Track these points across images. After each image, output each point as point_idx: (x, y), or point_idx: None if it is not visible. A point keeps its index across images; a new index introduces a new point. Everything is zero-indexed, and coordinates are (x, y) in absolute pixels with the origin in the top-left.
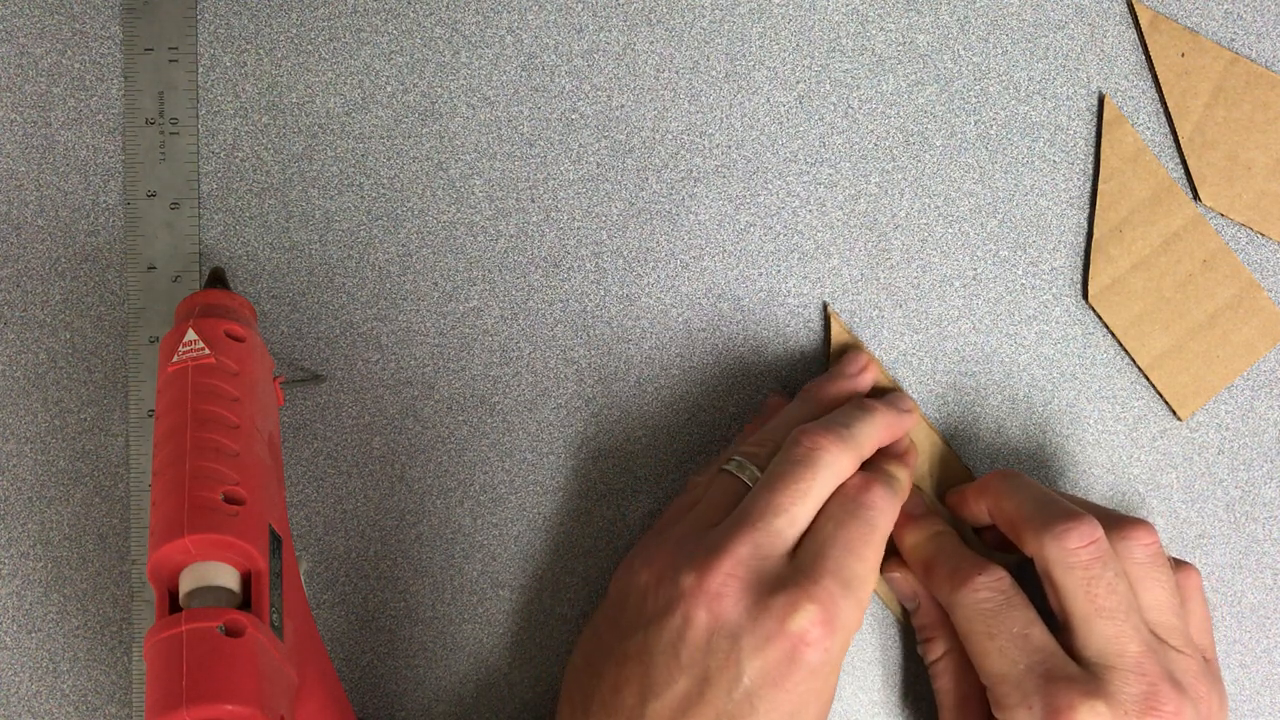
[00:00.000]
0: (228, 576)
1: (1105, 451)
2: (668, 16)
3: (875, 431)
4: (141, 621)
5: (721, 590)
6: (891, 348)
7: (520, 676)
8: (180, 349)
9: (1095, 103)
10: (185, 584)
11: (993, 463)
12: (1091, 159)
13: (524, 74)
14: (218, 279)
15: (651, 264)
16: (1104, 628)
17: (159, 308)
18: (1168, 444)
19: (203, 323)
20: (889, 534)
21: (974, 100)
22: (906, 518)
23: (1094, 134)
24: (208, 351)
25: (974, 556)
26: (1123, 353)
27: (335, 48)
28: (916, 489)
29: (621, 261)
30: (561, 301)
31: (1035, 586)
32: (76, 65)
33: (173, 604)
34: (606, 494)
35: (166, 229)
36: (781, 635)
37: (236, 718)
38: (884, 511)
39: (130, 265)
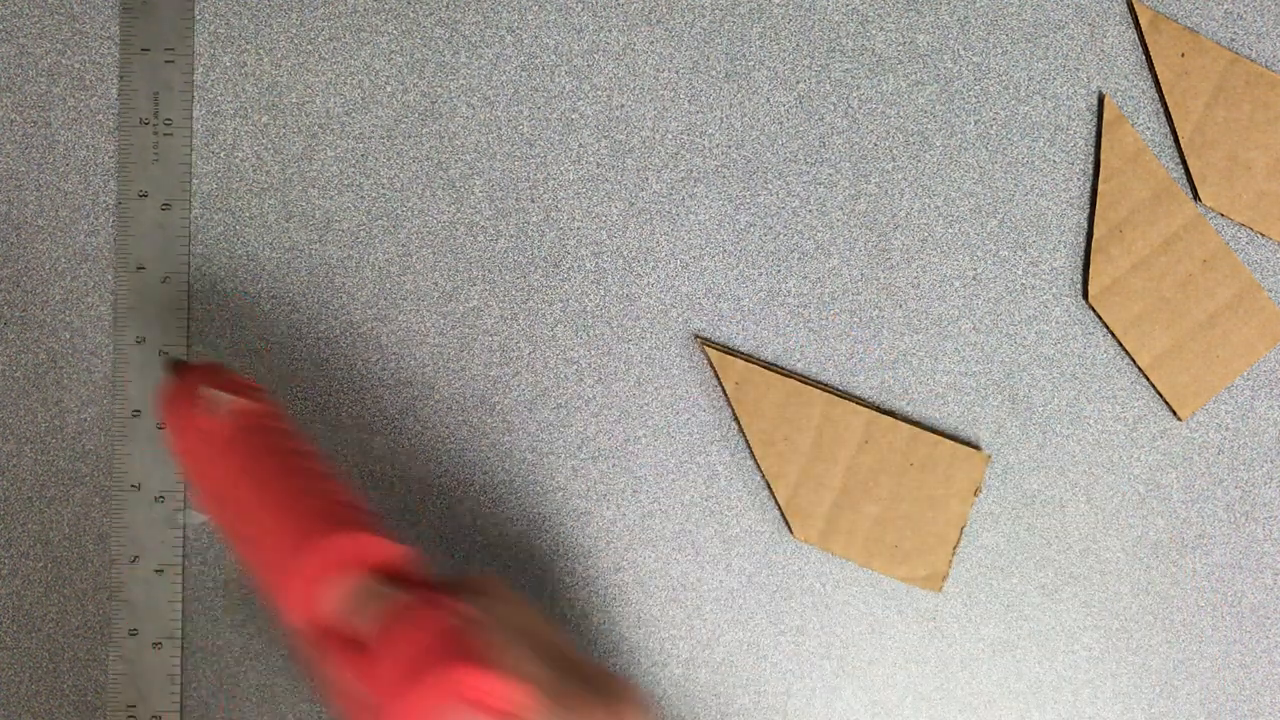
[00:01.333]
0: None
1: (1105, 451)
2: (668, 16)
3: None
4: (120, 621)
5: None
6: (891, 348)
7: None
8: (214, 411)
9: (1095, 103)
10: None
11: (994, 463)
12: (1091, 159)
13: (524, 74)
14: (178, 363)
15: (651, 264)
16: None
17: (147, 308)
18: (1168, 444)
19: (211, 380)
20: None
21: (974, 100)
22: None
23: (1094, 134)
24: (234, 399)
25: None
26: (1123, 353)
27: (335, 48)
28: None
29: (621, 261)
30: (561, 301)
31: None
32: (76, 65)
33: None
34: (606, 494)
35: (158, 230)
36: None
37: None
38: None
39: (120, 265)
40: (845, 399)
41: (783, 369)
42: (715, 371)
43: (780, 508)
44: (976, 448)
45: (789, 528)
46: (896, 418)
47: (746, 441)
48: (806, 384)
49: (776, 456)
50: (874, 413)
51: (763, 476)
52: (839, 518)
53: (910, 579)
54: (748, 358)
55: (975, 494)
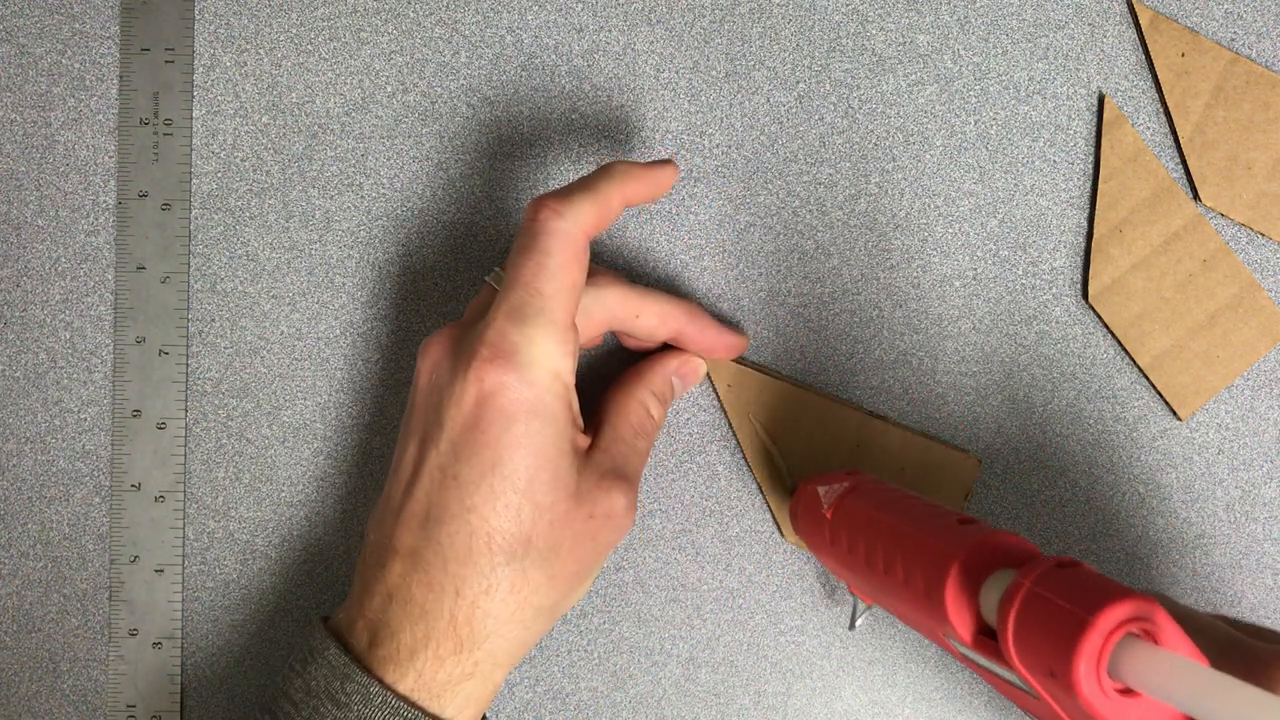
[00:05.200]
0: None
1: (1105, 451)
2: (668, 16)
3: (614, 182)
4: (120, 622)
5: (436, 355)
6: (891, 348)
7: (520, 676)
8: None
9: (1095, 103)
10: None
11: (993, 463)
12: (1091, 159)
13: (524, 74)
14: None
15: (652, 265)
16: None
17: (147, 308)
18: (1168, 444)
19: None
20: (571, 258)
21: (974, 100)
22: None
23: (1094, 134)
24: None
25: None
26: (1123, 353)
27: (335, 48)
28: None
29: (621, 262)
30: None
31: None
32: (76, 65)
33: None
34: None
35: (157, 229)
36: (465, 383)
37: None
38: (554, 234)
39: (120, 265)
40: (837, 402)
41: (775, 371)
42: (709, 373)
43: (772, 510)
44: (966, 452)
45: (779, 530)
46: (888, 422)
47: (739, 442)
48: (798, 387)
49: (767, 460)
50: (866, 416)
51: (755, 478)
52: None
53: None
54: (741, 361)
55: (966, 498)
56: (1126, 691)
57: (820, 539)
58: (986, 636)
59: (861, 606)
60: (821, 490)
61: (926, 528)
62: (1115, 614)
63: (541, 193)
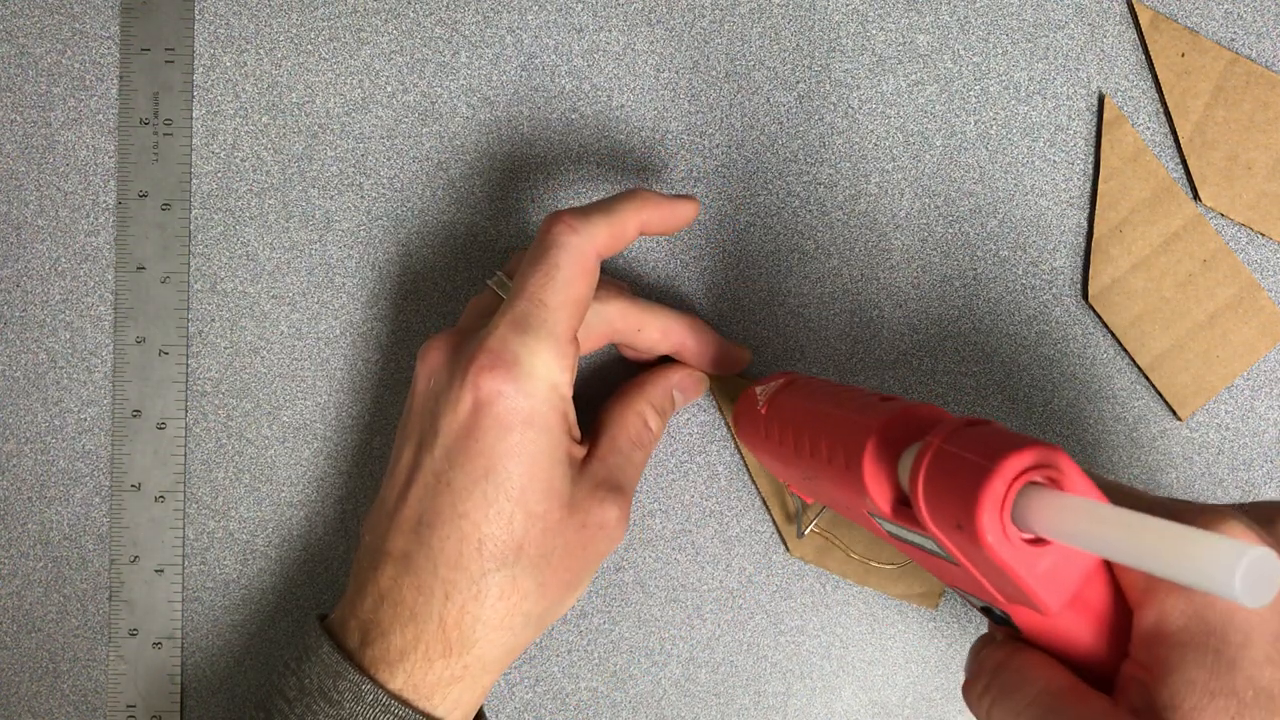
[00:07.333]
0: None
1: (1105, 451)
2: (668, 16)
3: (632, 206)
4: (120, 622)
5: (435, 361)
6: (891, 348)
7: (520, 676)
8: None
9: (1095, 103)
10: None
11: None
12: (1091, 159)
13: (524, 74)
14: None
15: (651, 265)
16: None
17: (147, 308)
18: (1168, 444)
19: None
20: (579, 273)
21: (974, 100)
22: None
23: (1094, 134)
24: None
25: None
26: (1123, 353)
27: (335, 48)
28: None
29: (622, 262)
30: None
31: None
32: (76, 65)
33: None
34: None
35: (157, 229)
36: (463, 389)
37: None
38: (565, 248)
39: (120, 265)
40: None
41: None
42: (712, 388)
43: (776, 525)
44: None
45: (785, 545)
46: None
47: (742, 457)
48: None
49: (772, 475)
50: None
51: (759, 493)
52: (834, 535)
53: (906, 596)
54: (744, 375)
55: None
56: (1036, 542)
57: (757, 436)
58: (904, 507)
59: (808, 511)
60: (759, 389)
61: (848, 407)
62: (1018, 461)
63: (542, 192)
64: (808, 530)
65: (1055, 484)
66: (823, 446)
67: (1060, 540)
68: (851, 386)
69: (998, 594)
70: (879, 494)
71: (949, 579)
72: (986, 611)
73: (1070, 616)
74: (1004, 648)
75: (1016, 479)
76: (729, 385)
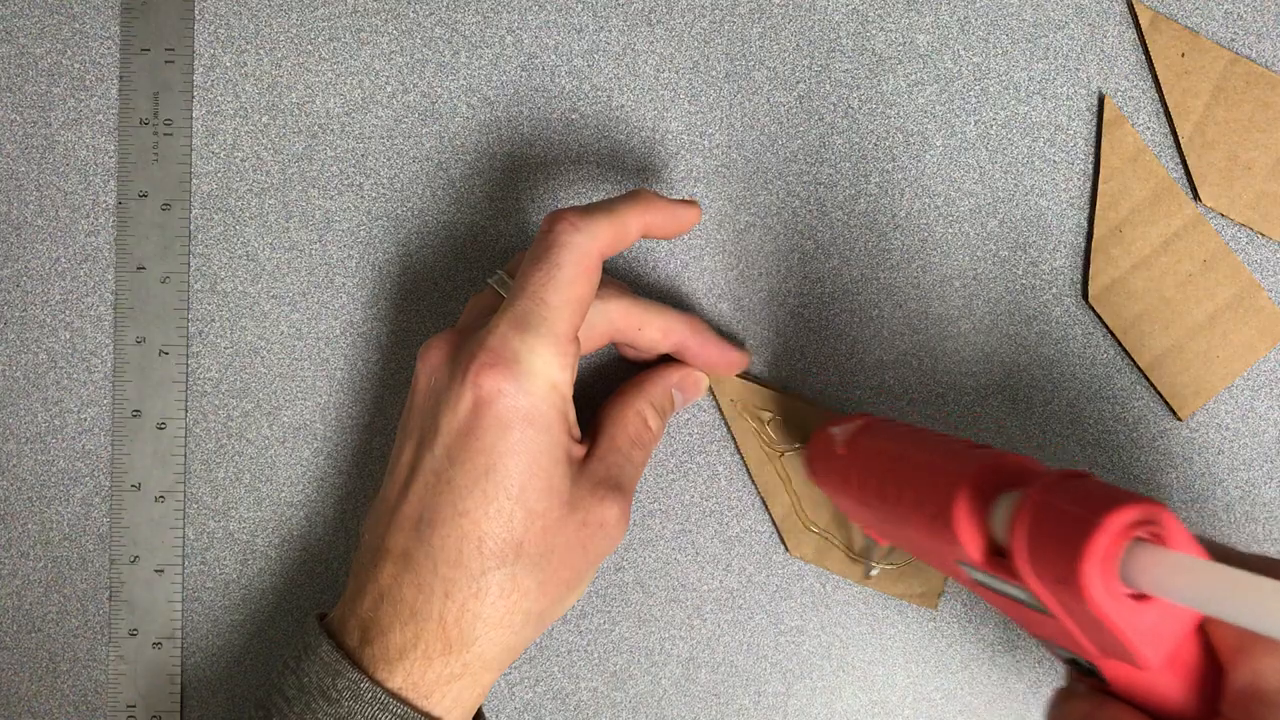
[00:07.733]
0: None
1: (1105, 451)
2: (668, 16)
3: (635, 207)
4: (120, 622)
5: (435, 359)
6: (891, 348)
7: (520, 676)
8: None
9: (1095, 103)
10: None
11: None
12: (1091, 159)
13: (524, 74)
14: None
15: (651, 265)
16: None
17: (147, 308)
18: (1168, 444)
19: None
20: (581, 272)
21: (974, 100)
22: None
23: (1094, 134)
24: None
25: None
26: (1123, 353)
27: (335, 48)
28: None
29: (622, 262)
30: None
31: None
32: (76, 65)
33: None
34: None
35: (157, 230)
36: (463, 387)
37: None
38: (567, 247)
39: (120, 265)
40: (836, 415)
41: (778, 386)
42: (711, 389)
43: (776, 525)
44: None
45: (784, 545)
46: None
47: (742, 457)
48: (801, 402)
49: (771, 474)
50: None
51: (759, 493)
52: (833, 535)
53: (907, 596)
54: (744, 375)
55: None
56: (1138, 598)
57: (835, 478)
58: (997, 557)
59: (879, 552)
60: (835, 430)
61: (937, 452)
62: (1123, 517)
63: (542, 192)
64: (876, 571)
65: (1159, 540)
66: (909, 493)
67: (1168, 597)
68: (935, 432)
69: (1091, 646)
70: (971, 543)
71: (1035, 629)
72: (1072, 663)
73: (1162, 671)
74: (1090, 700)
75: (1122, 534)
76: (729, 385)
